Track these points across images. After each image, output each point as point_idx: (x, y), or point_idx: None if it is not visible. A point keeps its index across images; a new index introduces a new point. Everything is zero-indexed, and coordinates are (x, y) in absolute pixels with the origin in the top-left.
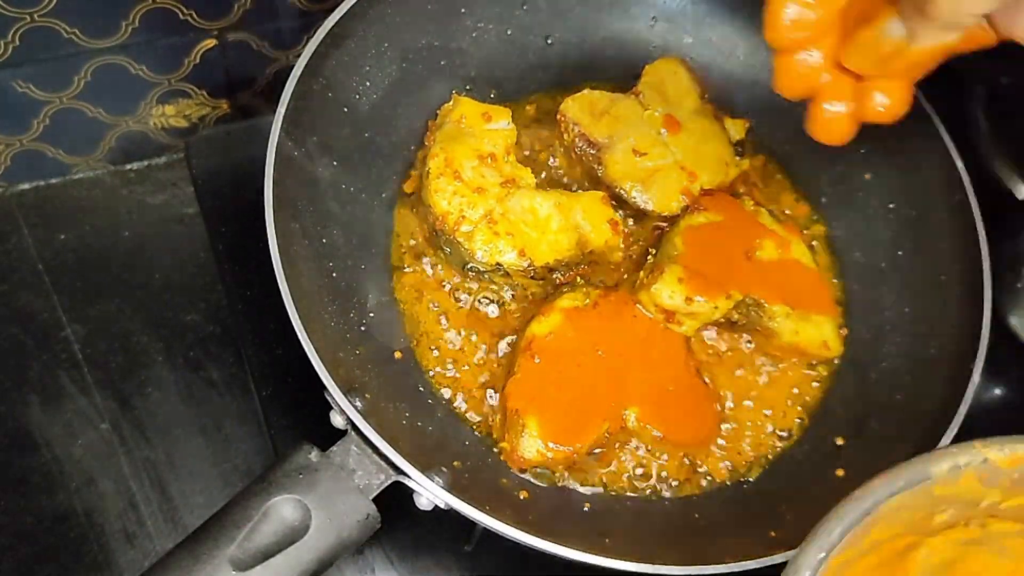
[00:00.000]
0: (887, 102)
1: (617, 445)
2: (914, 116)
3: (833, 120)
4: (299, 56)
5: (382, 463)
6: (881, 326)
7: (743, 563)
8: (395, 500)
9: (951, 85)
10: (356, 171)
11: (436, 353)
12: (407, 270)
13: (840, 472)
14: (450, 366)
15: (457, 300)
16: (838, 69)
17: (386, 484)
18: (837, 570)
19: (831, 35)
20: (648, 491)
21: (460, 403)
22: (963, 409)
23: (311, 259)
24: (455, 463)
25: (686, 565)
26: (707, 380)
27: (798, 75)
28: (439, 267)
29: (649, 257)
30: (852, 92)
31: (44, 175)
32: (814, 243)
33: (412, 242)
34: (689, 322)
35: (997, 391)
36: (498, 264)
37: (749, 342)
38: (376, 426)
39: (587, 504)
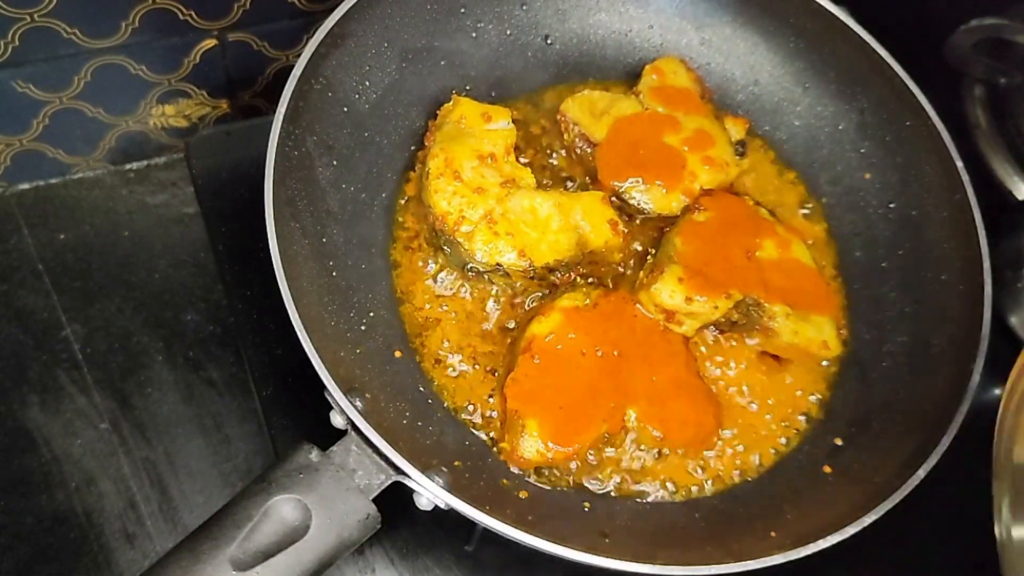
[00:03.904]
0: None
1: (617, 445)
2: (914, 116)
3: None
4: (299, 56)
5: (382, 463)
6: (882, 326)
7: (743, 563)
8: (395, 500)
9: (951, 85)
10: (356, 171)
11: (436, 353)
12: (407, 270)
13: (827, 468)
14: (450, 366)
15: (457, 300)
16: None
17: (386, 484)
18: None
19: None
20: (648, 491)
21: (460, 403)
22: (963, 409)
23: (311, 259)
24: (455, 463)
25: (686, 565)
26: (707, 380)
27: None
28: (439, 267)
29: (649, 257)
30: None
31: (44, 175)
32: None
33: (412, 242)
34: (689, 322)
35: (997, 391)
36: (498, 264)
37: (749, 342)
38: (376, 426)
39: (587, 504)
